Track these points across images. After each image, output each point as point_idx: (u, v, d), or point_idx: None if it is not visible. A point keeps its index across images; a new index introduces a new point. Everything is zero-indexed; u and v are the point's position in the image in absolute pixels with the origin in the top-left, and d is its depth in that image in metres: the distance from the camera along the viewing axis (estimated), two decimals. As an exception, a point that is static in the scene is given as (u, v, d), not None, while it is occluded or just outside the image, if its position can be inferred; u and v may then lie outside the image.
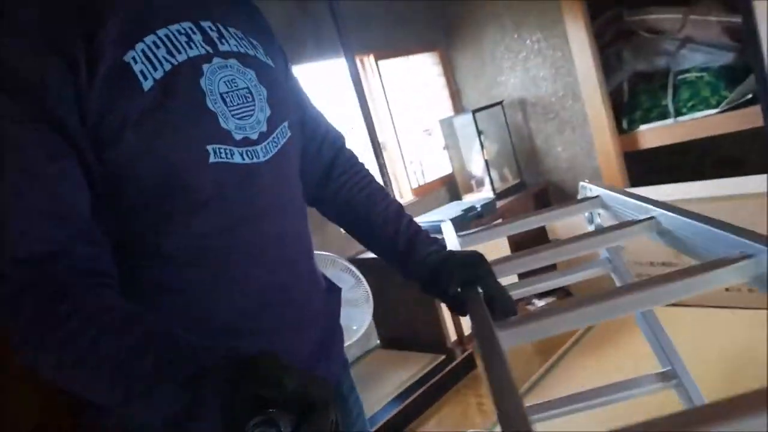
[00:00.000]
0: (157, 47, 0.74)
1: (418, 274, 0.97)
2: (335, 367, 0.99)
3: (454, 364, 3.00)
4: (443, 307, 3.09)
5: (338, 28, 3.09)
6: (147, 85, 0.72)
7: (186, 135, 0.74)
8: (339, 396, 1.00)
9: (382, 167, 3.19)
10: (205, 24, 0.81)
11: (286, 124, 0.87)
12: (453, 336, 3.08)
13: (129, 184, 0.73)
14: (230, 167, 0.77)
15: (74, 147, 0.69)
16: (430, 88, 3.98)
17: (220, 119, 0.77)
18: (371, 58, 3.59)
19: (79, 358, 0.64)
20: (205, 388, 0.58)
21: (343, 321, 1.03)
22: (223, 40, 0.82)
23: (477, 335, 0.74)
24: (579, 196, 1.34)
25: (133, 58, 0.72)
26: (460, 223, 3.13)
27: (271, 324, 0.84)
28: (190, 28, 0.79)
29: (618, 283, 1.19)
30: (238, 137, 0.78)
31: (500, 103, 3.77)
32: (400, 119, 3.70)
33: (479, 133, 3.59)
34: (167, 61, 0.74)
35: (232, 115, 0.78)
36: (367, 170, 1.10)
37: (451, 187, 3.87)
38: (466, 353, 3.01)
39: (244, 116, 0.80)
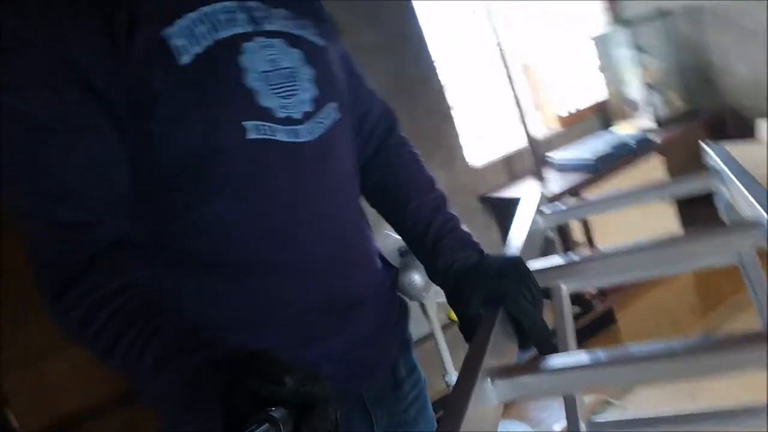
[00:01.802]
0: (200, 23, 0.74)
1: (442, 284, 0.90)
2: (392, 349, 0.96)
3: (590, 317, 2.73)
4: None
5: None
6: (184, 60, 0.71)
7: (219, 111, 0.73)
8: (392, 380, 0.96)
9: (516, 98, 2.83)
10: (252, 3, 0.80)
11: (335, 105, 0.85)
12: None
13: (161, 162, 0.73)
14: (272, 145, 0.76)
15: (111, 116, 0.70)
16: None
17: (259, 96, 0.76)
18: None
19: (93, 340, 0.67)
20: (204, 384, 0.59)
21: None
22: (269, 20, 0.81)
23: (459, 375, 0.63)
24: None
25: (173, 33, 0.72)
26: (607, 162, 2.73)
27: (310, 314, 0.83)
28: (236, 7, 0.78)
29: (749, 288, 0.89)
30: (280, 115, 0.77)
31: (668, 12, 3.16)
32: (547, 36, 3.27)
33: (640, 50, 3.07)
34: (207, 37, 0.74)
35: (274, 94, 0.77)
36: (412, 158, 1.03)
37: (604, 115, 3.39)
38: (605, 308, 2.70)
39: (288, 95, 0.78)
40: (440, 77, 2.88)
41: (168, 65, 0.71)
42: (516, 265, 0.82)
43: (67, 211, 0.69)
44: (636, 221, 2.26)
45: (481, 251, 0.90)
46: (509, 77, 2.83)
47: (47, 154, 0.68)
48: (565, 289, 0.98)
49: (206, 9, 0.75)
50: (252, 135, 0.75)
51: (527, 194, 1.23)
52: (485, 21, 2.81)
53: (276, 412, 0.52)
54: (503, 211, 2.83)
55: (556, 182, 2.80)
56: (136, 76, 0.69)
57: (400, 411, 0.97)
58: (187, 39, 0.72)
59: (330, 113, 0.84)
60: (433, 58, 2.86)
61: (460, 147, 2.91)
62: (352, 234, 0.89)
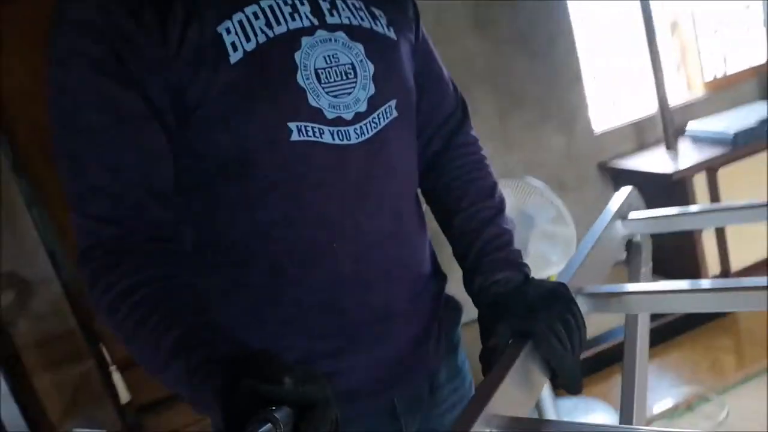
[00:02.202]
0: (257, 18, 0.72)
1: (476, 303, 0.85)
2: (431, 359, 0.91)
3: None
4: (706, 233, 2.51)
5: None
6: (235, 57, 0.70)
7: (265, 110, 0.72)
8: (430, 387, 0.93)
9: (654, 57, 2.54)
10: None
11: (393, 103, 0.81)
12: (715, 268, 2.50)
13: (201, 161, 0.73)
14: (317, 147, 0.74)
15: (154, 112, 0.70)
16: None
17: (309, 96, 0.73)
18: None
19: (118, 329, 0.68)
20: (205, 381, 0.60)
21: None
22: (334, 11, 0.78)
23: (457, 419, 0.61)
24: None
25: (227, 29, 0.70)
26: (749, 139, 2.40)
27: (352, 321, 0.81)
28: None
29: None
30: (330, 116, 0.75)
31: None
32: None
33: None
34: (263, 32, 0.72)
35: (326, 93, 0.75)
36: (476, 161, 0.96)
37: (762, 82, 2.96)
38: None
39: (341, 94, 0.76)
40: (573, 32, 2.65)
41: (218, 63, 0.69)
42: (555, 295, 0.76)
43: (103, 203, 0.69)
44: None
45: (527, 274, 0.85)
46: (649, 33, 2.53)
47: (90, 142, 0.69)
48: (643, 319, 0.89)
49: (267, 2, 0.73)
50: (296, 137, 0.73)
51: (620, 194, 1.11)
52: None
53: (276, 412, 0.52)
54: (624, 184, 2.61)
55: (687, 156, 2.52)
56: (183, 75, 0.69)
57: (436, 416, 0.93)
58: (240, 35, 0.71)
59: (386, 112, 0.80)
60: (569, 11, 2.64)
61: (585, 108, 2.69)
62: (399, 242, 0.85)
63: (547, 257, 1.95)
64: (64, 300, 2.22)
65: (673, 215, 1.06)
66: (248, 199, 0.75)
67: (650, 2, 2.53)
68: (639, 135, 2.77)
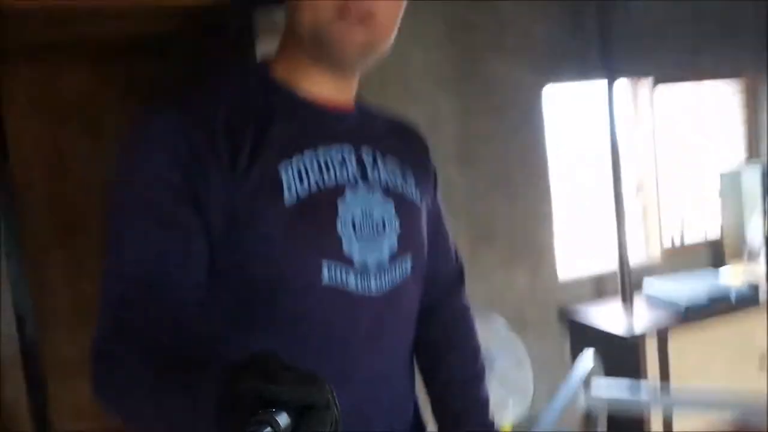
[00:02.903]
0: (312, 164, 0.79)
1: None
2: None
3: None
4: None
5: (603, 46, 2.68)
6: (289, 198, 0.76)
7: (304, 253, 0.77)
8: None
9: (620, 220, 2.71)
10: (364, 150, 0.86)
11: (410, 260, 0.88)
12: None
13: (234, 283, 0.77)
14: (343, 294, 0.79)
15: (206, 230, 0.74)
16: (718, 124, 3.27)
17: (344, 244, 0.79)
18: (649, 81, 3.05)
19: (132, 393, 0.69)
20: (203, 386, 0.60)
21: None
22: (376, 169, 0.86)
23: None
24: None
25: (287, 169, 0.77)
26: (698, 312, 2.54)
27: None
28: (348, 152, 0.84)
29: None
30: (358, 264, 0.80)
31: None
32: (670, 158, 3.13)
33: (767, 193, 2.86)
34: (315, 179, 0.79)
35: (358, 242, 0.81)
36: (467, 326, 1.04)
37: (716, 252, 3.17)
38: None
39: (370, 245, 0.82)
40: (550, 177, 2.82)
41: (274, 200, 0.75)
42: None
43: (128, 299, 0.72)
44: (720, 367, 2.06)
45: None
46: (617, 194, 2.72)
47: (135, 238, 0.73)
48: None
49: (322, 150, 0.81)
50: (327, 281, 0.77)
51: (583, 360, 1.17)
52: (610, 128, 2.73)
53: (276, 414, 0.52)
54: (581, 337, 2.70)
55: (642, 317, 2.64)
56: (241, 204, 0.74)
57: None
58: (296, 178, 0.77)
59: (403, 268, 0.87)
60: (548, 155, 2.82)
61: (551, 254, 2.82)
62: (390, 384, 0.90)
63: (504, 401, 1.99)
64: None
65: (632, 400, 1.13)
66: (252, 322, 0.78)
67: (620, 164, 2.74)
68: (599, 286, 2.90)
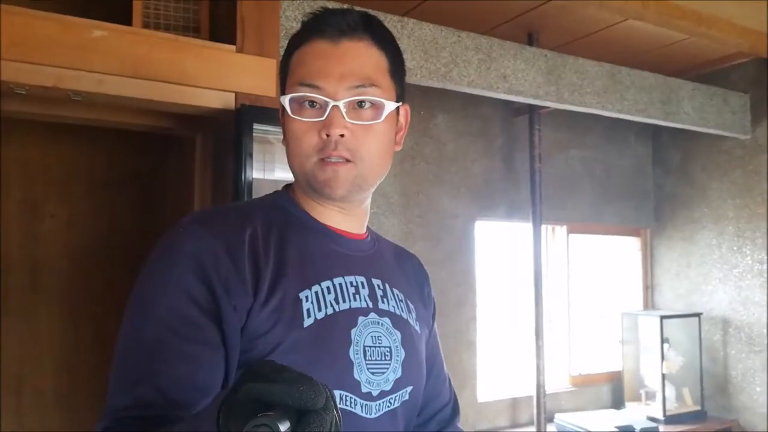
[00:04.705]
0: (329, 292, 0.84)
1: None
2: None
3: None
4: None
5: (534, 194, 2.99)
6: (307, 322, 0.80)
7: (319, 375, 0.77)
8: None
9: (539, 348, 2.92)
10: (376, 281, 0.91)
11: (409, 389, 0.91)
12: None
13: None
14: (348, 416, 0.81)
15: (223, 343, 0.76)
16: (621, 273, 3.66)
17: (355, 369, 0.83)
18: (564, 228, 3.41)
19: None
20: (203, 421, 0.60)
21: None
22: (385, 299, 0.91)
23: None
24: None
25: (306, 296, 0.82)
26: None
27: None
28: (362, 283, 0.89)
29: None
30: (364, 390, 0.84)
31: (698, 315, 3.31)
32: (578, 298, 3.43)
33: (663, 340, 3.17)
34: (332, 306, 0.84)
35: (368, 369, 0.85)
36: None
37: (616, 388, 3.43)
38: None
39: (377, 372, 0.86)
40: (476, 304, 3.01)
41: (294, 324, 0.79)
42: None
43: (132, 405, 0.72)
44: None
45: None
46: (537, 327, 2.93)
47: (152, 349, 0.74)
48: None
49: (338, 280, 0.86)
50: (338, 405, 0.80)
51: None
52: (532, 267, 3.00)
53: (275, 417, 0.51)
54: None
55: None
56: (261, 325, 0.77)
57: None
58: (315, 304, 0.82)
59: (402, 395, 0.90)
60: (476, 284, 3.01)
61: (474, 374, 2.95)
62: None
63: None
64: None
65: None
66: None
67: (542, 298, 2.98)
68: (515, 412, 3.04)
